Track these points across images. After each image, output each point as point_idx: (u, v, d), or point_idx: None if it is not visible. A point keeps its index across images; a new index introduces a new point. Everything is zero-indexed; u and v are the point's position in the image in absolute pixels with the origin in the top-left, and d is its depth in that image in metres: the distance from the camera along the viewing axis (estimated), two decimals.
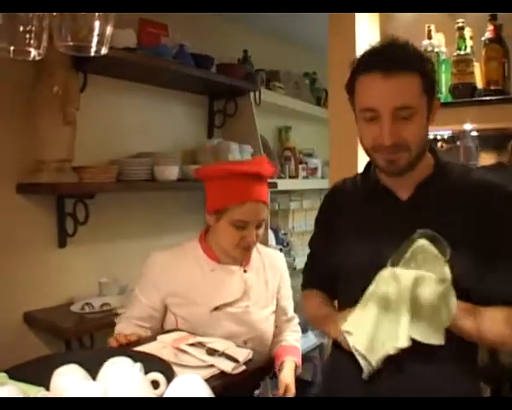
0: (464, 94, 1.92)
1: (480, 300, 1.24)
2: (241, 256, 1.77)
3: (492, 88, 1.88)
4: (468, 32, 2.03)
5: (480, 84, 1.95)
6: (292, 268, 3.36)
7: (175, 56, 2.67)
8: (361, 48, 2.15)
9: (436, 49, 2.04)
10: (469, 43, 2.02)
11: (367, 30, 2.30)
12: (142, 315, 1.75)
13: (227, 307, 1.74)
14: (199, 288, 1.75)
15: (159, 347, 1.49)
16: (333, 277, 1.47)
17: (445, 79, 2.02)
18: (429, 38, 2.05)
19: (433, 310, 1.17)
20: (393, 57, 1.25)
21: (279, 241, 3.61)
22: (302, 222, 3.92)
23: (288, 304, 1.95)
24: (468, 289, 1.23)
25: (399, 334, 1.17)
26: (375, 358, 1.20)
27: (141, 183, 2.57)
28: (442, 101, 1.95)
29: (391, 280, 1.20)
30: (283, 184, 3.44)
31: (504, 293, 1.24)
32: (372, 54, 1.31)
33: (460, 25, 1.98)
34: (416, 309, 1.18)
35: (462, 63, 1.94)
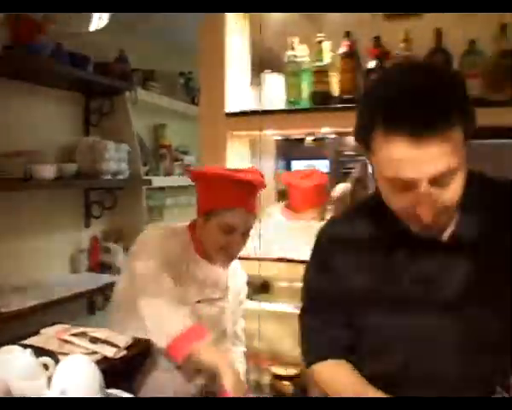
0: (321, 101, 2.17)
1: None
2: (223, 261, 1.82)
3: (345, 97, 2.14)
4: (327, 46, 2.29)
5: (336, 92, 2.21)
6: None
7: (51, 55, 2.67)
8: (231, 50, 2.35)
9: (298, 60, 2.27)
10: (329, 55, 2.28)
11: (237, 33, 2.47)
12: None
13: (207, 302, 1.81)
14: (186, 275, 1.78)
15: (42, 339, 1.55)
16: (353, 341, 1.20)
17: (307, 87, 2.25)
18: (292, 48, 2.27)
19: None
20: (425, 114, 0.94)
21: None
22: (177, 218, 4.04)
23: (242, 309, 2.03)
24: None
25: None
26: None
27: (15, 181, 2.53)
28: (302, 107, 2.20)
29: None
30: (158, 181, 3.57)
31: None
32: (393, 104, 0.97)
33: (319, 39, 2.22)
34: None
35: (321, 73, 2.19)
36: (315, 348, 1.25)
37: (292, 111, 2.21)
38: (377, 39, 2.12)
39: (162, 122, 3.97)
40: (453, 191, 1.01)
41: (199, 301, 1.79)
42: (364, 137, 1.06)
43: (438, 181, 0.98)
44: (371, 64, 2.10)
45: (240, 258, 1.94)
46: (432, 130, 0.94)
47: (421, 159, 0.95)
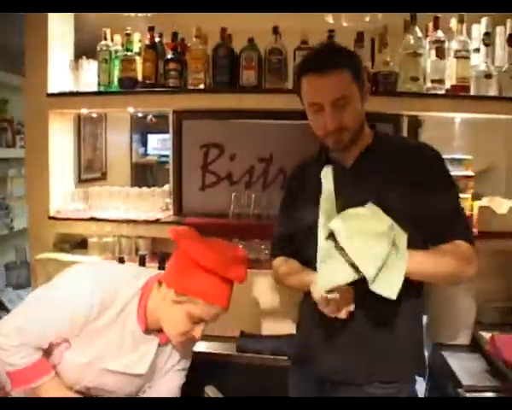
0: (128, 85, 2.57)
1: (419, 246, 1.44)
2: (178, 343, 1.66)
3: (147, 82, 2.57)
4: (137, 37, 2.69)
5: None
6: (9, 228, 3.78)
7: None
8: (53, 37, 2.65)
9: (110, 48, 2.65)
10: (137, 45, 2.68)
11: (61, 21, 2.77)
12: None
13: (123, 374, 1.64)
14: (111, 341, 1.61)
15: None
16: (294, 241, 1.70)
17: (117, 73, 2.64)
18: (105, 38, 2.64)
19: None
20: (324, 59, 1.51)
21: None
22: (21, 187, 4.26)
23: None
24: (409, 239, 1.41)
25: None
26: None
27: None
28: (111, 90, 2.59)
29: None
30: (1, 153, 3.80)
31: (441, 234, 1.48)
32: (308, 59, 1.58)
33: (127, 31, 2.61)
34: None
35: (128, 62, 2.59)
36: (273, 250, 1.81)
37: (102, 93, 2.60)
38: (175, 35, 2.56)
39: (3, 97, 4.15)
40: (348, 114, 1.50)
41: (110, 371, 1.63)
42: (297, 89, 1.58)
43: (336, 104, 1.48)
44: (169, 55, 2.54)
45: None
46: (328, 67, 1.47)
47: (324, 87, 1.48)
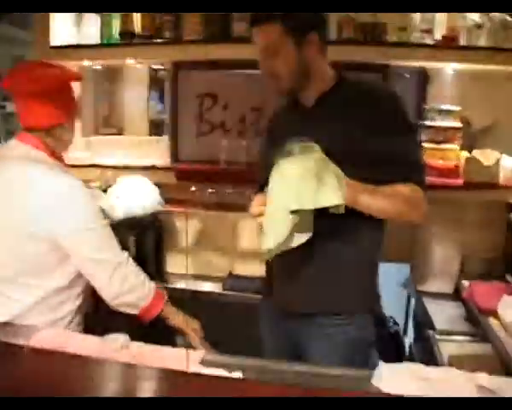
0: (127, 37, 2.67)
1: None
2: None
3: (145, 34, 2.66)
4: None
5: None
6: None
7: None
8: None
9: None
10: None
11: None
12: None
13: None
14: None
15: None
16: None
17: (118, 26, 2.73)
18: None
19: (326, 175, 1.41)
20: (259, 15, 1.60)
21: None
22: None
23: None
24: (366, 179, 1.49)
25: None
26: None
27: None
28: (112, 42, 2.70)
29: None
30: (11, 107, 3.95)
31: (393, 176, 1.52)
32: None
33: None
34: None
35: (126, 15, 2.67)
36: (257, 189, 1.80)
37: (101, 45, 2.71)
38: None
39: (20, 54, 4.29)
40: (279, 63, 1.58)
41: None
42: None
43: (268, 51, 1.58)
44: None
45: None
46: (261, 20, 1.58)
47: (258, 37, 1.59)
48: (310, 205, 1.38)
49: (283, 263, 1.62)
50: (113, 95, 4.28)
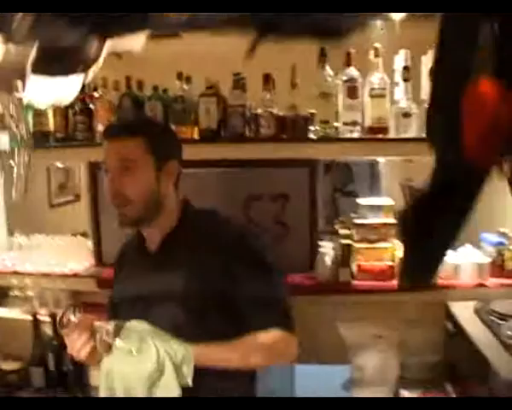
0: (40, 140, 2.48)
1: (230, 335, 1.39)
2: None
3: (58, 135, 2.49)
4: None
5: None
6: None
7: None
8: None
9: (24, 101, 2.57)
10: None
11: None
12: None
13: None
14: None
15: None
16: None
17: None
18: (17, 91, 2.57)
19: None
20: (118, 125, 1.58)
21: None
22: None
23: None
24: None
25: None
26: None
27: None
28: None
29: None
30: None
31: (253, 323, 1.40)
32: (108, 125, 1.72)
33: None
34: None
35: (38, 115, 2.50)
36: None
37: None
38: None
39: None
40: (134, 183, 1.44)
41: None
42: None
43: (123, 167, 1.44)
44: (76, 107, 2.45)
45: None
46: (119, 133, 1.49)
47: (111, 152, 1.47)
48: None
49: None
50: None
